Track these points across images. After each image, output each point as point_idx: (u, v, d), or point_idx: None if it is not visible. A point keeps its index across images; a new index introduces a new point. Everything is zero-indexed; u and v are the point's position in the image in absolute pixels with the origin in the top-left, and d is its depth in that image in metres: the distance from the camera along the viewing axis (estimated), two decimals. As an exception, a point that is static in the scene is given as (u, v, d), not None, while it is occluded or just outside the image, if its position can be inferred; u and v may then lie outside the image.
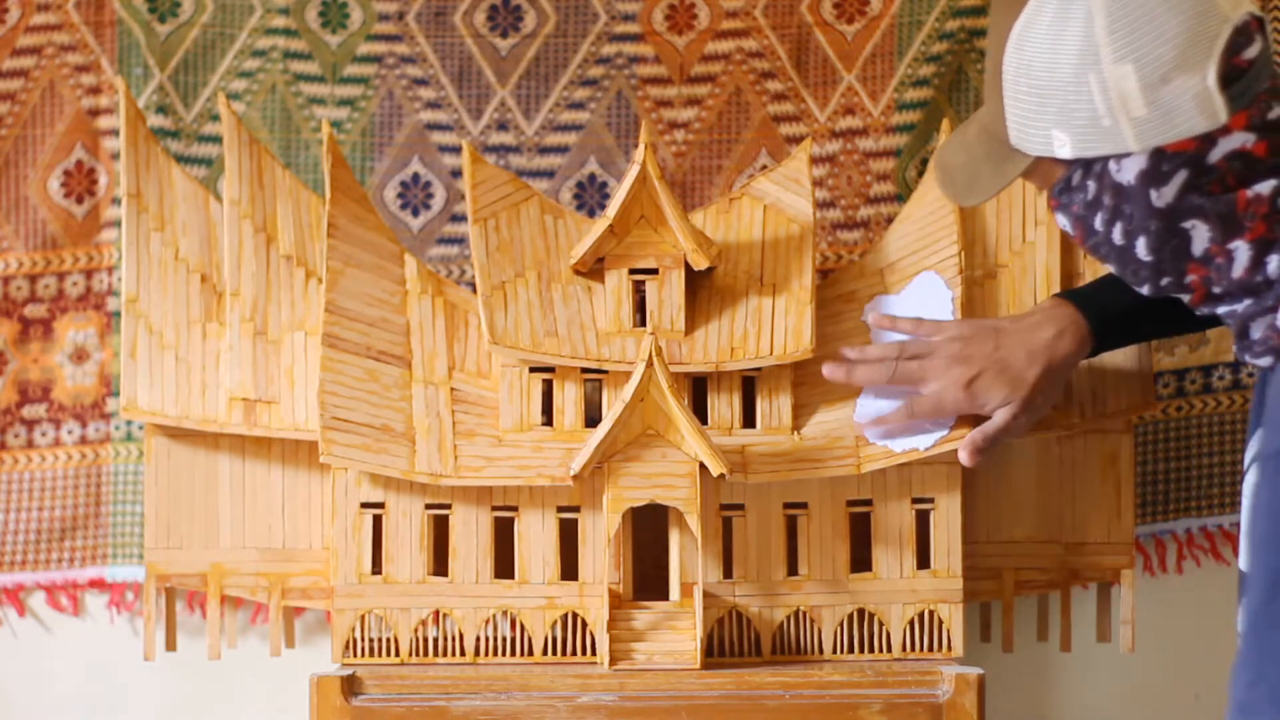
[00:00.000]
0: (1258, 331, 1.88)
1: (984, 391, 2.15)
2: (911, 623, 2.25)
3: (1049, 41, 1.82)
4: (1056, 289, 2.32)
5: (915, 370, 2.18)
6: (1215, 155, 1.81)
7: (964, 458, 2.17)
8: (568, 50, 2.59)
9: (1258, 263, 1.84)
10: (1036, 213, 2.36)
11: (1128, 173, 1.83)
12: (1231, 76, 1.79)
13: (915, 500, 2.25)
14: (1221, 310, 1.89)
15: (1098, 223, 1.88)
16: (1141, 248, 1.87)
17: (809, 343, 2.22)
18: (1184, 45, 1.78)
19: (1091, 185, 1.86)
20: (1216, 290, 1.88)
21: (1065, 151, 1.85)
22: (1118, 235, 1.87)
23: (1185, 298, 1.90)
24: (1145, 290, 1.92)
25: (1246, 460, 1.95)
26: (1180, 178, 1.82)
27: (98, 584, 2.59)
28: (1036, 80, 1.84)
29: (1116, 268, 1.92)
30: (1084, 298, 2.18)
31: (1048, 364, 2.15)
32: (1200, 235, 1.84)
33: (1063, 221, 1.93)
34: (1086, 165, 1.86)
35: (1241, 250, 1.84)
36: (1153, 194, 1.83)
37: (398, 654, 2.24)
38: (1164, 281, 1.89)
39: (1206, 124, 1.80)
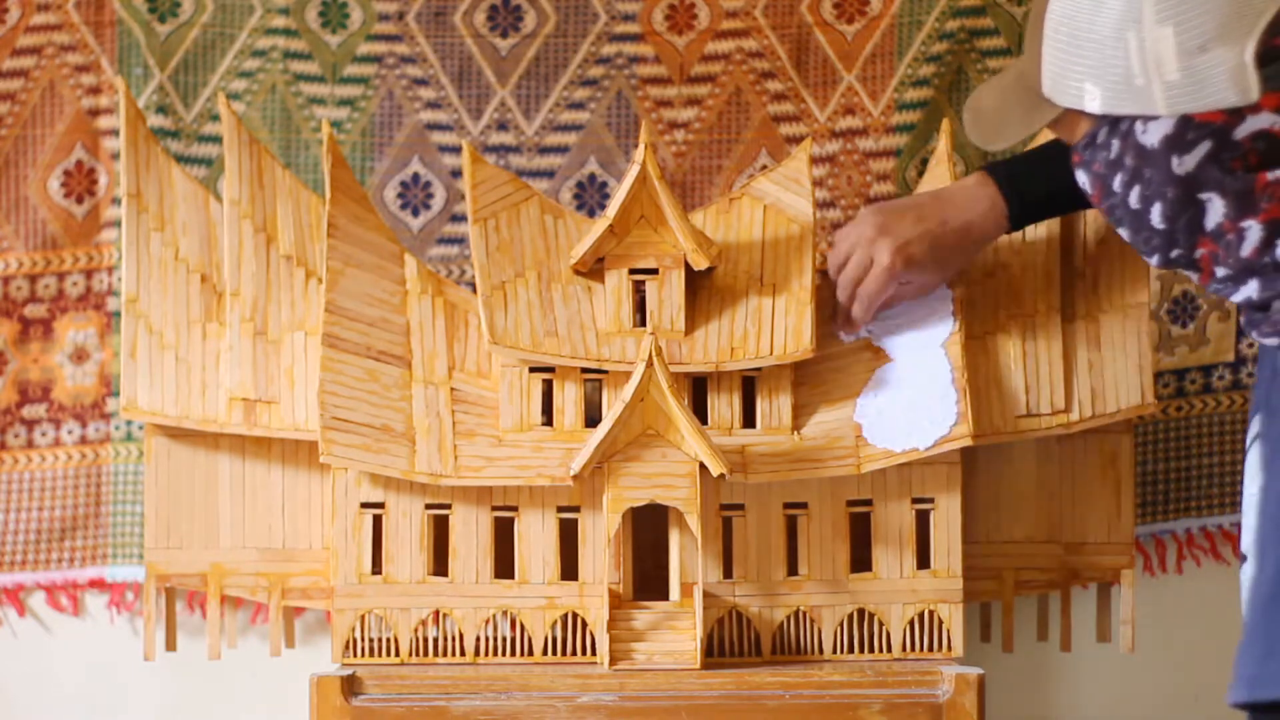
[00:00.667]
0: (1270, 312, 1.87)
1: (876, 249, 2.22)
2: (911, 623, 2.25)
3: None
4: (1056, 289, 2.32)
5: (845, 274, 2.26)
6: (1242, 132, 1.81)
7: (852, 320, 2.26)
8: (568, 50, 2.59)
9: (1268, 244, 1.84)
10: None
11: (1153, 135, 1.83)
12: (1269, 56, 1.79)
13: (915, 500, 2.25)
14: (1230, 292, 1.89)
15: (1117, 183, 1.88)
16: (1156, 214, 1.86)
17: (809, 343, 2.22)
18: (1227, 17, 1.78)
19: (1115, 144, 1.86)
20: (1221, 272, 1.87)
21: (1095, 105, 1.85)
22: (1134, 199, 1.87)
23: (1194, 276, 1.90)
24: (1154, 261, 1.91)
25: (1249, 438, 1.95)
26: (1204, 148, 1.82)
27: (98, 584, 2.59)
28: (1077, 30, 1.84)
29: (1129, 233, 1.91)
30: (1009, 178, 2.22)
31: (940, 221, 2.22)
32: (1215, 209, 1.84)
33: (1083, 179, 1.93)
34: (1113, 123, 1.86)
35: (1253, 230, 1.84)
36: (1174, 160, 1.82)
37: (398, 654, 2.24)
38: (1174, 253, 1.89)
39: (1238, 98, 1.80)
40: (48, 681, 2.60)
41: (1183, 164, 1.82)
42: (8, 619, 2.60)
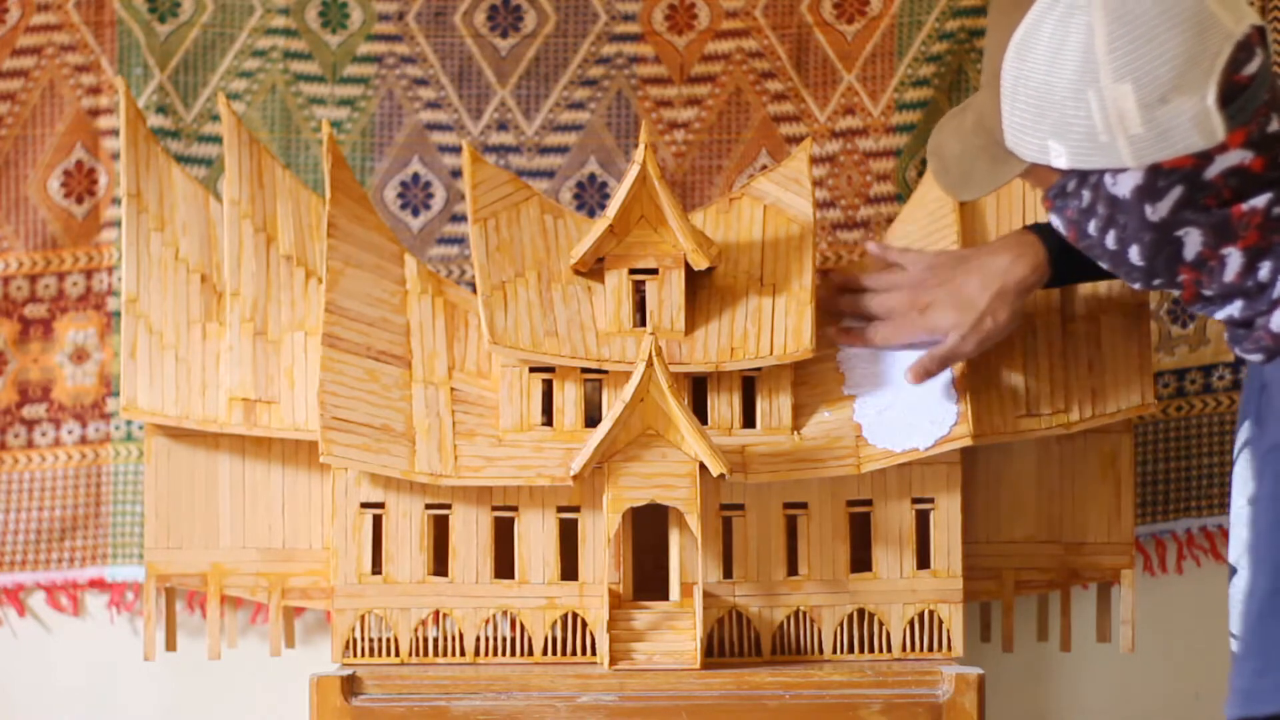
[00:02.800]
0: (1253, 329, 1.88)
1: (936, 316, 2.19)
2: (911, 623, 2.25)
3: (1049, 54, 1.82)
4: (1056, 289, 2.32)
5: (882, 301, 2.24)
6: (1212, 172, 1.81)
7: (909, 378, 2.20)
8: (568, 50, 2.59)
9: (1250, 268, 1.84)
10: (1036, 213, 2.36)
11: (1123, 187, 1.83)
12: (1231, 94, 1.79)
13: (915, 500, 2.25)
14: (1214, 311, 1.90)
15: (1091, 228, 1.88)
16: (1135, 254, 1.87)
17: (809, 343, 2.22)
18: (1184, 65, 1.77)
19: (1086, 194, 1.86)
20: (1207, 292, 1.88)
21: (1061, 162, 1.85)
22: (1111, 241, 1.87)
23: (1177, 294, 1.91)
24: (1137, 287, 1.93)
25: (1236, 447, 1.95)
26: (1176, 193, 1.82)
27: (98, 584, 2.58)
28: (1035, 91, 1.83)
29: (1109, 267, 1.92)
30: (1049, 227, 2.19)
31: (1000, 288, 2.16)
32: (1193, 241, 1.84)
33: (1057, 223, 1.93)
34: (1082, 175, 1.86)
35: (1234, 256, 1.84)
36: (1147, 209, 1.82)
37: (398, 654, 2.24)
38: (1156, 282, 1.90)
39: (1204, 143, 1.79)
40: (48, 681, 2.60)
41: (1156, 211, 1.83)
42: (8, 619, 2.60)
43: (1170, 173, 1.81)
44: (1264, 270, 1.84)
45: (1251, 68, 1.79)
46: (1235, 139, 1.80)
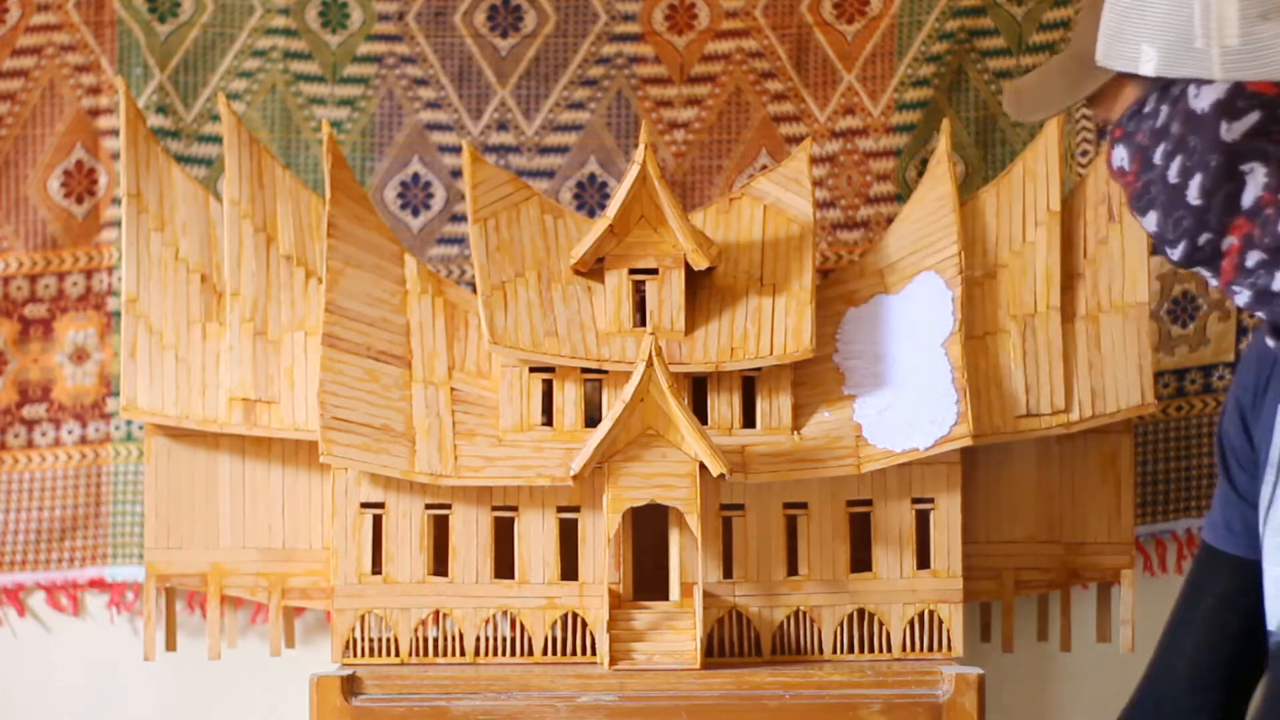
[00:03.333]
0: None
1: None
2: (911, 623, 2.25)
3: None
4: (1056, 289, 2.32)
5: None
6: None
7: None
8: (568, 50, 2.59)
9: None
10: (1036, 213, 2.36)
11: (1204, 99, 1.83)
12: None
13: (915, 500, 2.25)
14: (1260, 281, 1.86)
15: (1158, 155, 1.87)
16: (1194, 188, 1.85)
17: (809, 343, 2.22)
18: None
19: (1164, 111, 1.86)
20: (1253, 259, 1.84)
21: (1150, 67, 1.85)
22: (1174, 171, 1.86)
23: (1214, 277, 1.87)
24: (1178, 253, 1.89)
25: (1266, 491, 1.93)
26: (1253, 118, 1.82)
27: (98, 584, 2.58)
28: None
29: (1159, 215, 1.89)
30: None
31: None
32: (1255, 182, 1.83)
33: (1121, 155, 1.91)
34: (1164, 89, 1.86)
35: None
36: (1223, 126, 1.82)
37: (398, 654, 2.24)
38: (1202, 239, 1.86)
39: None
40: (48, 681, 2.60)
41: (1231, 130, 1.82)
42: (8, 619, 2.60)
43: (1253, 95, 1.81)
44: None
45: None
46: None
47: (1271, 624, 1.92)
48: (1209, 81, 1.82)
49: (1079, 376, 2.31)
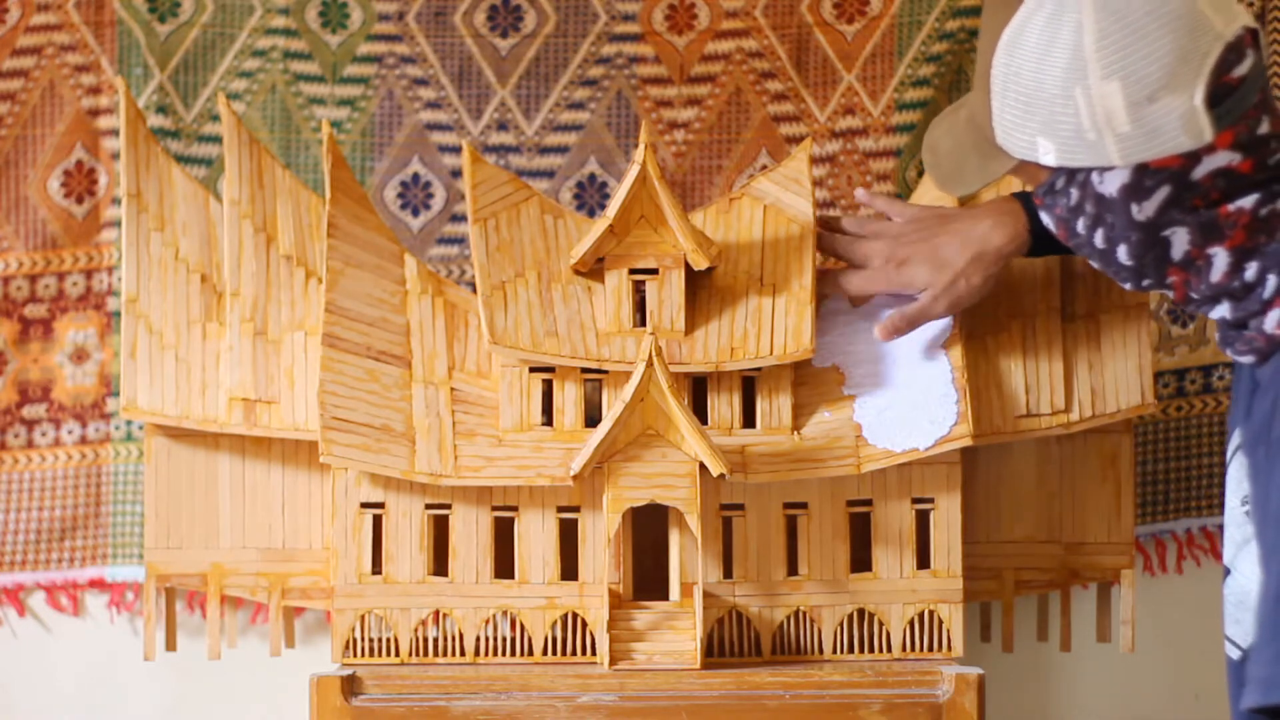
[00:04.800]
0: (1245, 330, 1.88)
1: (912, 272, 2.20)
2: (911, 623, 2.25)
3: (1038, 51, 1.81)
4: (1056, 289, 2.32)
5: (863, 249, 2.24)
6: (1199, 172, 1.81)
7: (879, 334, 2.21)
8: (568, 50, 2.59)
9: (1236, 268, 1.84)
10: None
11: (1110, 185, 1.83)
12: (1220, 95, 1.78)
13: (915, 500, 2.25)
14: (1205, 311, 1.90)
15: (1080, 227, 1.89)
16: (1123, 253, 1.87)
17: (809, 343, 2.22)
18: (1173, 64, 1.77)
19: (1074, 192, 1.87)
20: (1195, 295, 1.88)
21: (1049, 159, 1.85)
22: (1099, 240, 1.88)
23: (1168, 295, 1.90)
24: (1127, 287, 1.93)
25: (1229, 451, 1.95)
26: (1163, 193, 1.82)
27: (98, 584, 2.59)
28: (1024, 87, 1.83)
29: (1099, 266, 1.92)
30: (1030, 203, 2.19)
31: (978, 252, 2.17)
32: (1180, 240, 1.84)
33: (1047, 220, 1.94)
34: (1070, 173, 1.86)
35: (1220, 256, 1.84)
36: (1134, 208, 1.83)
37: (398, 654, 2.24)
38: (1145, 282, 1.90)
39: (1191, 143, 1.79)
40: (48, 681, 2.60)
41: (1143, 210, 1.83)
42: (8, 619, 2.60)
43: (1157, 172, 1.81)
44: (1250, 271, 1.84)
45: (1242, 69, 1.79)
46: (1224, 140, 1.80)
47: (1242, 640, 1.92)
48: (1111, 168, 1.82)
49: (1079, 376, 2.31)
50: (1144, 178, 1.81)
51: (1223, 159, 1.80)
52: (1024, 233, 2.18)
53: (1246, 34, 1.79)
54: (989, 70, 1.89)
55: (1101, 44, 1.78)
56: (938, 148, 2.04)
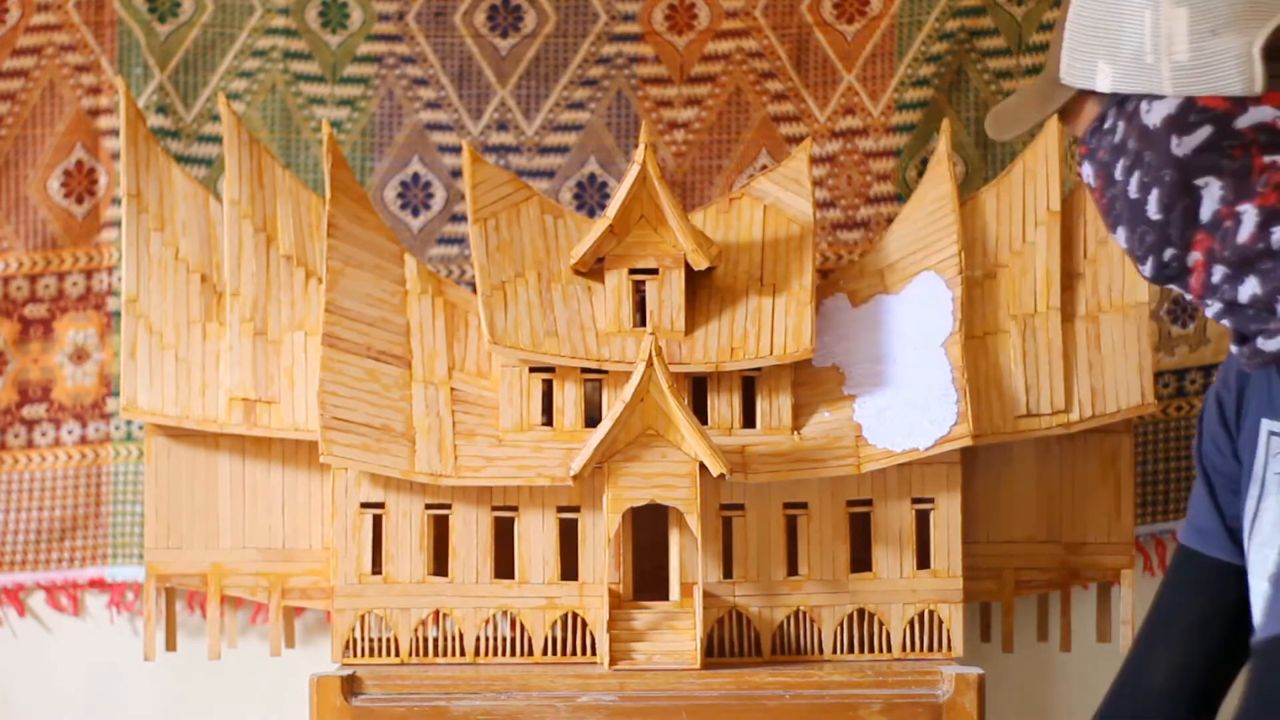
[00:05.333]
0: (1276, 312, 1.86)
1: None
2: (911, 623, 2.25)
3: None
4: (1056, 289, 2.32)
5: None
6: (1243, 121, 1.82)
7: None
8: (568, 50, 2.59)
9: (1263, 230, 1.83)
10: (1036, 213, 2.36)
11: (1156, 115, 1.84)
12: (1277, 52, 1.80)
13: (915, 500, 2.25)
14: (1230, 294, 1.87)
15: (1118, 170, 1.88)
16: (1153, 203, 1.86)
17: (809, 343, 2.22)
18: (1244, 6, 1.79)
19: (1120, 127, 1.87)
20: (1219, 273, 1.85)
21: (1105, 84, 1.86)
22: (1134, 187, 1.87)
23: (1186, 289, 1.88)
24: (1147, 268, 1.90)
25: (1262, 444, 1.93)
26: (1204, 132, 1.83)
27: (98, 584, 2.58)
28: (1099, 6, 1.85)
29: (1126, 231, 1.90)
30: None
31: None
32: (1211, 195, 1.84)
33: (1087, 171, 1.93)
34: (1120, 105, 1.87)
35: (1249, 214, 1.83)
36: (1174, 141, 1.83)
37: (398, 654, 2.24)
38: (1168, 253, 1.87)
39: (1242, 88, 1.81)
40: (48, 681, 2.60)
41: (1182, 145, 1.83)
42: (8, 619, 2.60)
43: (1203, 110, 1.82)
44: (1277, 235, 1.83)
45: None
46: (1272, 99, 1.81)
47: (1258, 628, 1.92)
48: (1160, 97, 1.84)
49: (1079, 376, 2.31)
50: (1189, 112, 1.83)
51: (1268, 114, 1.82)
52: None
53: None
54: (1068, 8, 1.91)
55: None
56: (1000, 108, 2.04)
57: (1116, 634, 2.40)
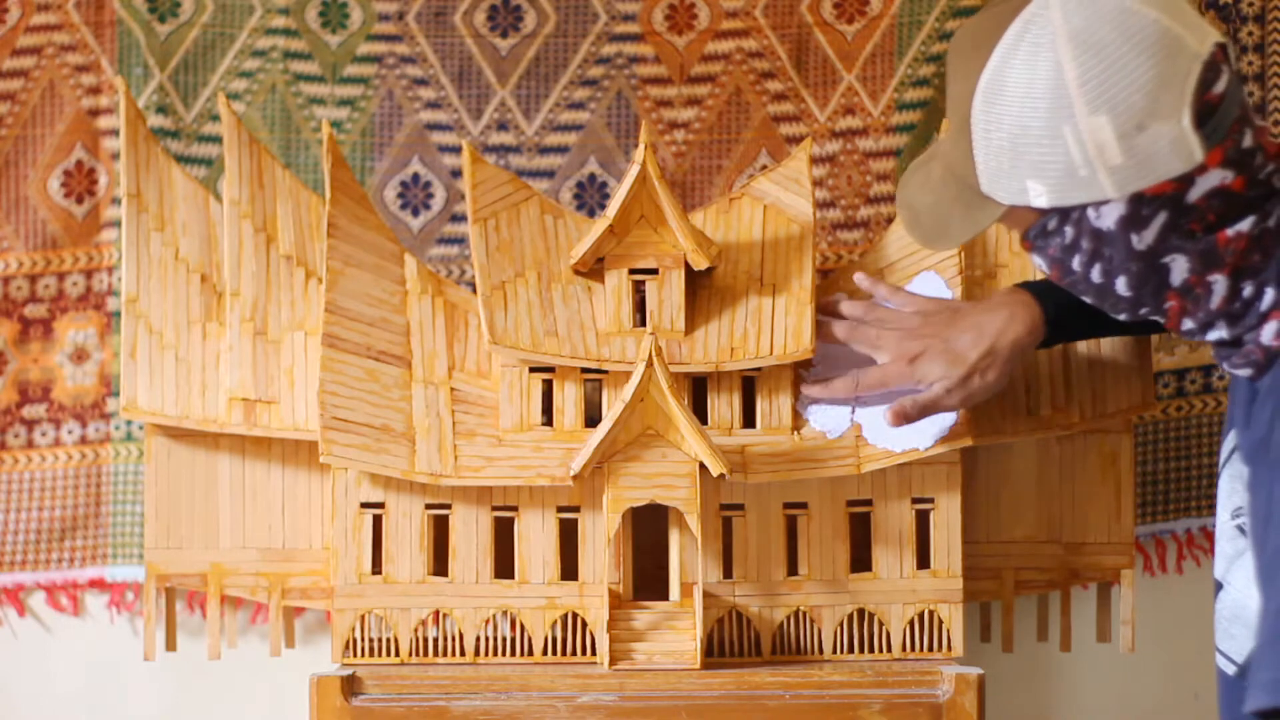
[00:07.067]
0: (1242, 346, 1.88)
1: (924, 367, 2.16)
2: (911, 623, 2.25)
3: (1019, 94, 1.81)
4: (1056, 289, 2.33)
5: (873, 337, 2.20)
6: (1195, 194, 1.81)
7: (889, 419, 2.16)
8: (568, 50, 2.59)
9: (1235, 292, 1.84)
10: (1036, 213, 2.36)
11: (1107, 219, 1.83)
12: (1204, 114, 1.78)
13: (915, 500, 2.25)
14: (1198, 337, 1.89)
15: (1075, 264, 1.88)
16: (1122, 285, 1.86)
17: (809, 343, 2.22)
18: (1157, 89, 1.77)
19: (1069, 230, 1.86)
20: (1188, 324, 1.88)
21: (1042, 201, 1.84)
22: (1096, 275, 1.87)
23: (1163, 321, 1.90)
24: (1123, 318, 1.92)
25: (1222, 458, 1.95)
26: (1160, 219, 1.82)
27: (98, 584, 2.59)
28: (1009, 133, 1.82)
29: (1094, 301, 1.91)
30: (1045, 286, 2.17)
31: (992, 346, 2.14)
32: (1180, 267, 1.84)
33: (1039, 262, 1.92)
34: (1064, 212, 1.85)
35: (1220, 283, 1.84)
36: (1134, 238, 1.82)
37: (398, 654, 2.24)
38: (1142, 311, 1.89)
39: (1183, 166, 1.79)
40: (48, 681, 2.60)
41: (1142, 239, 1.82)
42: (8, 619, 2.60)
43: (1154, 200, 1.81)
44: (1248, 289, 1.84)
45: (1220, 85, 1.79)
46: (1214, 158, 1.80)
47: (1237, 655, 1.92)
48: (1106, 201, 1.82)
49: (1079, 376, 2.31)
50: (1140, 207, 1.81)
51: (1215, 178, 1.80)
52: (1039, 325, 2.14)
53: (1218, 49, 1.79)
54: (965, 119, 1.89)
55: (1084, 79, 1.77)
56: (915, 205, 2.01)
57: (1116, 634, 2.40)
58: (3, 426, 2.58)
